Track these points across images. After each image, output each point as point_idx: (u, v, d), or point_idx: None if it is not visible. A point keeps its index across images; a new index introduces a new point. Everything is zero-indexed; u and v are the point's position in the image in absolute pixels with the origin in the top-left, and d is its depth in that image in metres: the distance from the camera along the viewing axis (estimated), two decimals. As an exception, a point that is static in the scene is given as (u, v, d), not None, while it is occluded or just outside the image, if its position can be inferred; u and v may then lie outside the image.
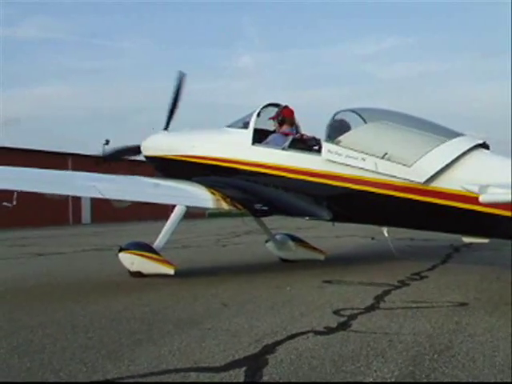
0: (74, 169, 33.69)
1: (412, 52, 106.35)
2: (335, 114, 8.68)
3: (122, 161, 12.17)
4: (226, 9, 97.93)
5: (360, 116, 8.69)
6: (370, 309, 5.84)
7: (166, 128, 11.17)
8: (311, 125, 10.07)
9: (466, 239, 8.31)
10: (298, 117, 9.72)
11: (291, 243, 10.39)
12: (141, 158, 11.56)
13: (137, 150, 11.50)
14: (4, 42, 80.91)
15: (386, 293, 6.76)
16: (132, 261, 8.44)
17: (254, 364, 3.94)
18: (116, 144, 13.38)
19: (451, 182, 7.31)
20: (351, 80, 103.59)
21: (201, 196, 8.57)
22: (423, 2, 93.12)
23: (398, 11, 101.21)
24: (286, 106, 9.69)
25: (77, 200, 37.82)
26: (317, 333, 4.80)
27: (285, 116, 9.54)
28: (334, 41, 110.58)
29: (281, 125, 9.51)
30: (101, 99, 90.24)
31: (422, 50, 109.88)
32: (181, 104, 11.11)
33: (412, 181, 7.54)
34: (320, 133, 8.78)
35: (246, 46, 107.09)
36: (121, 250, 8.73)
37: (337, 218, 8.68)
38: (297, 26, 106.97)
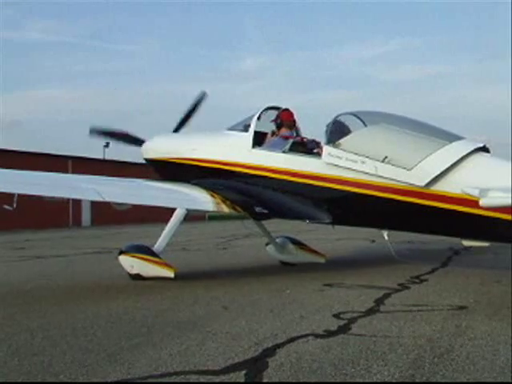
0: (74, 171, 33.74)
1: (413, 55, 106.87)
2: (336, 117, 8.69)
3: (108, 138, 11.66)
4: (229, 11, 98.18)
5: (360, 119, 8.72)
6: (370, 312, 5.84)
7: (176, 131, 11.21)
8: (312, 127, 10.09)
9: (466, 242, 8.32)
10: (299, 119, 9.71)
11: (291, 246, 10.39)
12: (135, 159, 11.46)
13: (131, 139, 11.38)
14: (7, 44, 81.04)
15: (386, 296, 6.76)
16: (132, 264, 8.45)
17: (254, 367, 3.94)
18: (117, 146, 13.20)
19: (451, 186, 7.31)
20: (353, 82, 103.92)
21: (201, 199, 8.57)
22: (425, 2, 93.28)
23: (401, 13, 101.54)
24: (284, 109, 9.67)
25: (77, 202, 37.83)
26: (317, 336, 4.80)
27: (283, 119, 9.51)
28: (337, 43, 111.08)
29: (279, 128, 9.49)
30: (103, 102, 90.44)
31: (423, 53, 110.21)
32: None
33: (412, 184, 7.55)
34: (320, 136, 8.80)
35: (249, 48, 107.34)
36: (121, 252, 8.74)
37: (337, 221, 8.68)
38: (299, 29, 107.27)
